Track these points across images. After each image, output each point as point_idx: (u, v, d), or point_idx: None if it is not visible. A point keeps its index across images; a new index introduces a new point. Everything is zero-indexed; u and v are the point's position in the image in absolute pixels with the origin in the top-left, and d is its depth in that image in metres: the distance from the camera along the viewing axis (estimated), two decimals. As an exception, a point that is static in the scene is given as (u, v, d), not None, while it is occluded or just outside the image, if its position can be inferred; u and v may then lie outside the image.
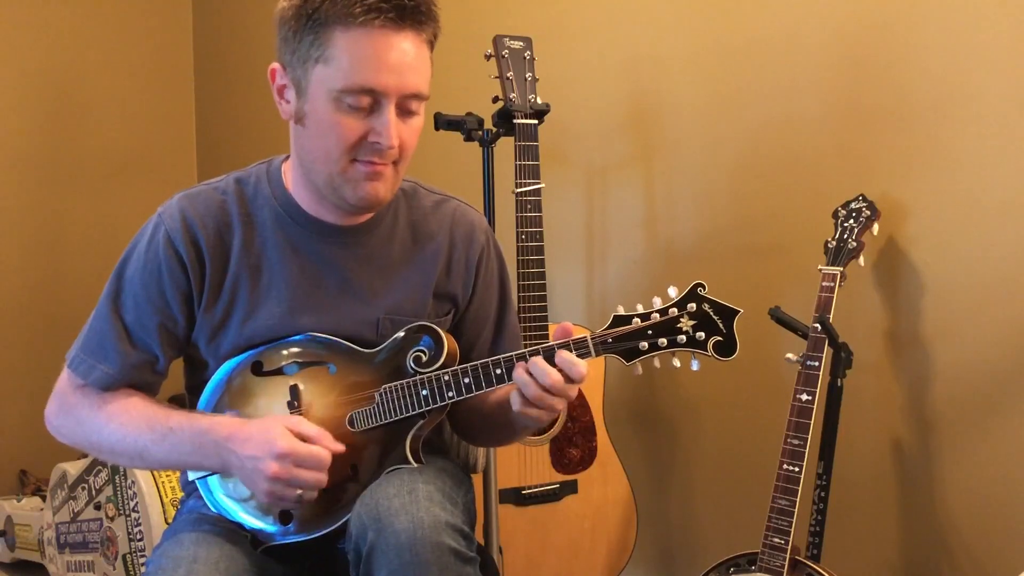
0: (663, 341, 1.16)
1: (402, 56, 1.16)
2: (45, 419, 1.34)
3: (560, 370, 1.15)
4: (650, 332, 1.16)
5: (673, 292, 1.17)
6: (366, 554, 1.13)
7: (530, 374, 1.16)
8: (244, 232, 1.29)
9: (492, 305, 1.42)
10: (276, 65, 1.23)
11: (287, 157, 1.34)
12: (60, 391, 1.34)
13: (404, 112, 1.20)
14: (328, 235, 1.30)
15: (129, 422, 1.26)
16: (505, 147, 1.96)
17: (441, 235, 1.36)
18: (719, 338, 1.15)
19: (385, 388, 1.24)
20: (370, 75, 1.15)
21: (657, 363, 1.18)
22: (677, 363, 1.18)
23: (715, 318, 1.15)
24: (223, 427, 1.21)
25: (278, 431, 1.16)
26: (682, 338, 1.15)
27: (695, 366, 1.17)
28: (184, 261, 1.27)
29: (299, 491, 1.16)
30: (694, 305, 1.15)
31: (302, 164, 1.26)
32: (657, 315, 1.16)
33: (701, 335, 1.15)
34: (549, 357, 1.16)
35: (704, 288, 1.16)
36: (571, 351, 1.16)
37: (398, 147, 1.20)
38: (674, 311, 1.15)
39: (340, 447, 1.19)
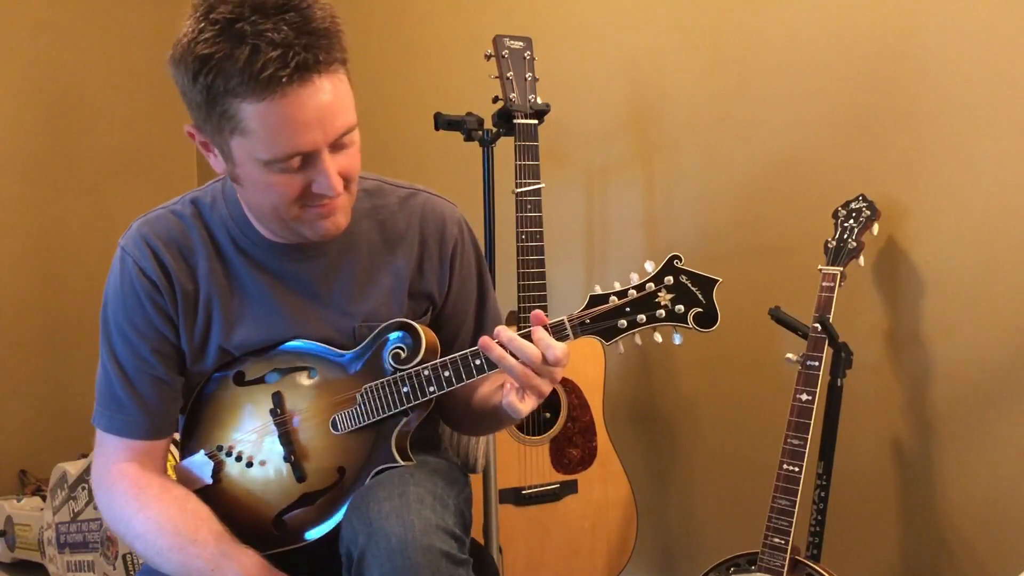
0: (642, 317, 1.12)
1: (319, 106, 1.07)
2: (94, 488, 1.30)
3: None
4: (628, 309, 1.12)
5: (650, 266, 1.14)
6: (357, 558, 1.12)
7: (510, 352, 1.13)
8: (208, 253, 1.26)
9: (471, 298, 1.39)
10: (191, 128, 1.16)
11: None
12: (100, 459, 1.29)
13: (338, 148, 1.13)
14: (288, 253, 1.27)
15: (157, 520, 1.21)
16: (505, 147, 1.96)
17: (411, 232, 1.32)
18: (699, 309, 1.11)
19: (366, 388, 1.23)
20: (294, 140, 1.08)
21: (638, 340, 1.15)
22: (659, 338, 1.14)
23: (693, 289, 1.11)
24: (247, 565, 1.16)
25: None
26: (661, 313, 1.12)
27: (677, 340, 1.13)
28: (158, 285, 1.24)
29: None
30: (671, 278, 1.11)
31: (249, 212, 1.24)
32: (634, 291, 1.12)
33: (680, 308, 1.11)
34: (526, 337, 1.13)
35: (680, 260, 1.12)
36: (548, 334, 1.13)
37: (343, 180, 1.15)
38: (651, 286, 1.12)
39: None
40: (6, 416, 3.12)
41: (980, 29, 1.74)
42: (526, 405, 1.16)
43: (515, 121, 1.91)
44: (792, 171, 2.03)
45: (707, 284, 1.11)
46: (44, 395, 3.17)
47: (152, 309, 1.25)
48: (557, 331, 1.14)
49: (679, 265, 1.11)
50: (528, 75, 1.94)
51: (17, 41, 3.13)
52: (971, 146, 1.76)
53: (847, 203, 1.78)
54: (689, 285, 1.11)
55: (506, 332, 1.13)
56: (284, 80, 1.04)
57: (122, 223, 1.32)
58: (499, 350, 1.13)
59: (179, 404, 1.32)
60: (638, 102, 2.31)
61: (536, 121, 1.93)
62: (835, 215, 1.78)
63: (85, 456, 2.39)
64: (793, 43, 2.01)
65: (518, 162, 1.91)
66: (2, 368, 3.12)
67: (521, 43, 1.95)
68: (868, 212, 1.75)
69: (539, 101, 1.94)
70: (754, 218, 2.10)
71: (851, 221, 1.75)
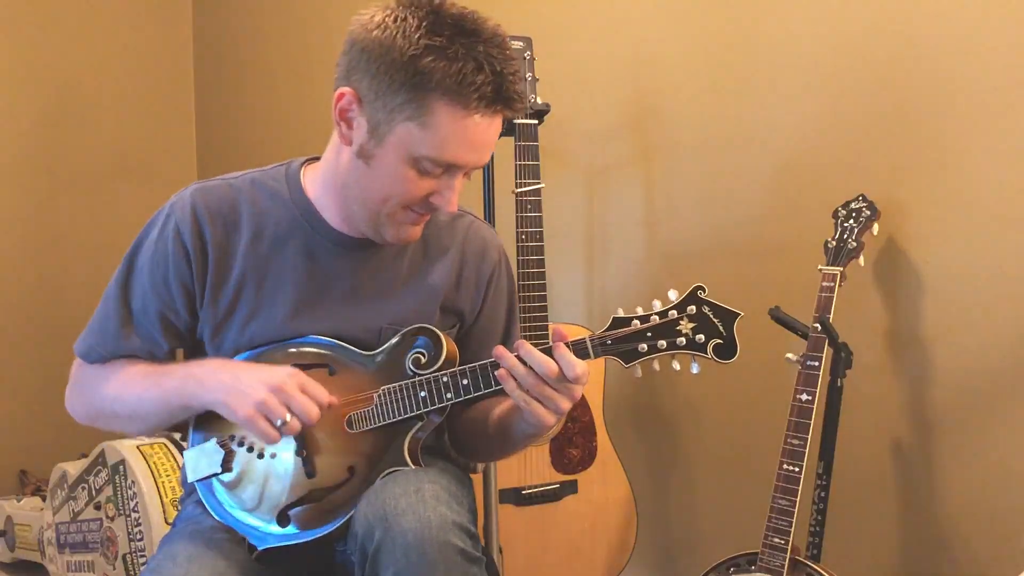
0: (662, 343, 1.15)
1: (490, 136, 1.19)
2: (65, 403, 1.39)
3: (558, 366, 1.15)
4: (649, 335, 1.15)
5: (673, 295, 1.16)
6: (372, 553, 1.13)
7: (524, 363, 1.15)
8: (252, 233, 1.29)
9: (500, 322, 1.43)
10: (349, 92, 1.18)
11: (307, 160, 1.34)
12: (72, 373, 1.38)
13: (466, 174, 1.23)
14: (343, 245, 1.31)
15: (126, 378, 1.29)
16: (505, 147, 1.95)
17: (453, 250, 1.37)
18: (719, 341, 1.14)
19: (384, 389, 1.24)
20: (460, 153, 1.17)
21: (656, 366, 1.18)
22: (677, 366, 1.17)
23: (715, 321, 1.14)
24: (221, 360, 1.26)
25: (284, 367, 1.21)
26: (682, 340, 1.15)
27: (695, 369, 1.17)
28: (189, 255, 1.28)
29: (288, 414, 1.16)
30: (694, 308, 1.15)
31: (345, 190, 1.26)
32: (656, 317, 1.15)
33: (701, 338, 1.14)
34: (547, 353, 1.16)
35: (704, 291, 1.15)
36: (569, 351, 1.16)
37: None
38: (674, 313, 1.15)
39: (337, 400, 1.23)
40: (6, 416, 3.12)
41: (981, 29, 1.74)
42: (542, 409, 1.17)
43: (515, 121, 1.91)
44: (792, 171, 2.03)
45: (728, 316, 1.15)
46: (44, 395, 3.16)
47: (174, 277, 1.29)
48: (578, 350, 1.16)
49: (702, 296, 1.15)
50: (528, 75, 1.94)
51: (17, 41, 3.13)
52: (971, 146, 1.76)
53: (847, 203, 1.78)
54: (711, 316, 1.15)
55: (526, 345, 1.16)
56: (495, 104, 1.15)
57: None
58: (512, 358, 1.16)
59: None
60: (638, 102, 2.31)
61: (536, 121, 1.93)
62: (835, 215, 1.78)
63: (85, 456, 2.39)
64: (793, 43, 2.01)
65: (518, 162, 1.91)
66: (2, 368, 3.12)
67: (521, 43, 1.95)
68: (868, 212, 1.75)
69: (539, 101, 1.94)
70: (754, 218, 2.10)
71: (851, 221, 1.75)
